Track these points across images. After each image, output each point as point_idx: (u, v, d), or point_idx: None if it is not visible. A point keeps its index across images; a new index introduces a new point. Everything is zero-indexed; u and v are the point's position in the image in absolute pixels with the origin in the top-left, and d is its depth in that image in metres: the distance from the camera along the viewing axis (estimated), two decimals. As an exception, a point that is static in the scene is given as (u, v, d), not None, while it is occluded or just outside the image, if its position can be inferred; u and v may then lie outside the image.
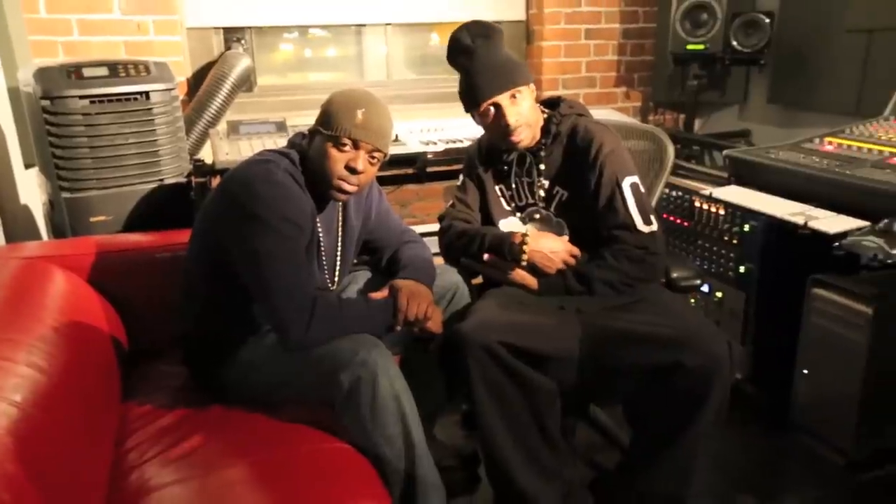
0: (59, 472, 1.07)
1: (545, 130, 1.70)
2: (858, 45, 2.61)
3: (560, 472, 1.54)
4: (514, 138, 1.64)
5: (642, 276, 1.61)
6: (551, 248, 1.63)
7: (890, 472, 1.92)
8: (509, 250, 1.63)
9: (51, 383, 1.18)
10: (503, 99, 1.60)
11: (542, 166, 1.72)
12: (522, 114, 1.62)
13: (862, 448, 1.89)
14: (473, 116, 1.69)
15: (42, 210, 2.34)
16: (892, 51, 2.48)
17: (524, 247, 1.61)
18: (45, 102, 1.94)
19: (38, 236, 2.39)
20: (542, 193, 1.73)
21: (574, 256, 1.64)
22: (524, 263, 1.62)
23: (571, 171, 1.69)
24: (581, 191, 1.67)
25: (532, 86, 1.66)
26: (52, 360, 1.24)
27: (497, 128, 1.64)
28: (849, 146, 2.04)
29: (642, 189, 1.65)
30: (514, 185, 1.76)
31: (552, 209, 1.73)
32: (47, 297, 1.49)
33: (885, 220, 1.58)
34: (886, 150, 1.95)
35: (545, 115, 1.72)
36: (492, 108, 1.62)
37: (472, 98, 1.63)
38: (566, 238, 1.69)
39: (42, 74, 1.97)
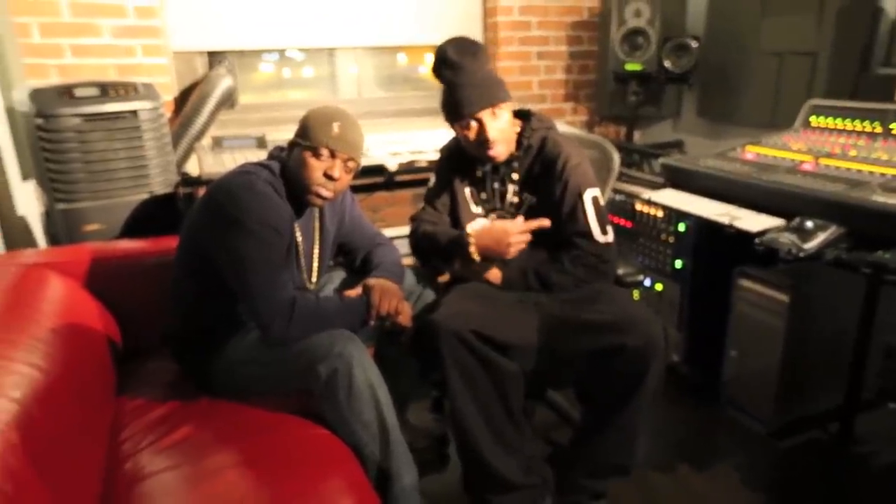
0: (57, 463, 1.04)
1: (518, 143, 1.68)
2: (772, 66, 2.68)
3: (522, 447, 1.55)
4: (492, 152, 1.62)
5: (594, 280, 1.61)
6: (495, 236, 1.59)
7: (804, 438, 1.98)
8: (459, 250, 1.63)
9: (48, 381, 1.15)
10: (485, 114, 1.58)
11: (515, 175, 1.70)
12: (502, 129, 1.60)
13: (781, 418, 1.94)
14: (454, 128, 1.65)
15: (39, 220, 2.28)
16: (799, 71, 2.56)
17: (469, 245, 1.60)
18: (40, 121, 1.89)
19: (35, 244, 2.32)
20: (513, 200, 1.72)
21: (528, 230, 1.59)
22: (476, 258, 1.61)
23: (540, 179, 1.68)
24: (547, 198, 1.66)
25: (510, 103, 1.63)
26: (49, 359, 1.21)
27: (477, 141, 1.61)
28: (766, 154, 2.09)
29: (602, 202, 1.65)
30: (487, 191, 1.73)
31: (521, 214, 1.71)
32: (44, 301, 1.45)
33: (797, 219, 1.62)
34: (797, 157, 2.00)
35: (518, 129, 1.70)
36: (473, 122, 1.59)
37: (456, 111, 1.59)
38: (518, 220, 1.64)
39: (36, 95, 1.92)
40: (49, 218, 2.05)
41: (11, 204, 2.23)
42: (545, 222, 1.59)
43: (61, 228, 1.98)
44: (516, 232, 1.59)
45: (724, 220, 1.80)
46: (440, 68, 1.60)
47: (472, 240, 1.61)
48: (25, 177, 2.27)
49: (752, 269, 1.95)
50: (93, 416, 1.30)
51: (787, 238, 1.59)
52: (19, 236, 2.24)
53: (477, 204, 1.76)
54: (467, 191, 1.76)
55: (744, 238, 1.72)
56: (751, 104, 2.82)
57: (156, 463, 1.24)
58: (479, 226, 1.70)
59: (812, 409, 1.98)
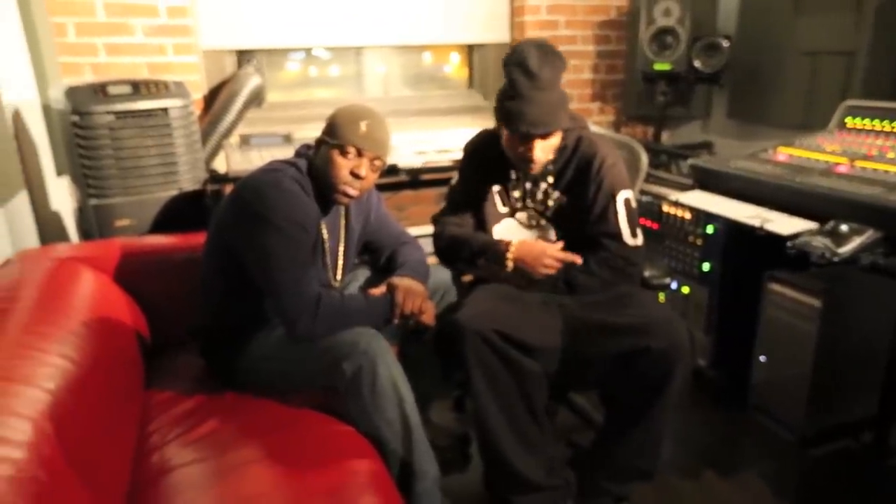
0: (88, 453, 1.06)
1: None
2: (805, 66, 2.62)
3: (545, 449, 1.54)
4: (531, 170, 1.60)
5: (620, 283, 1.59)
6: (533, 254, 1.59)
7: (835, 447, 1.93)
8: (493, 257, 1.62)
9: (80, 372, 1.17)
10: (538, 136, 1.52)
11: (550, 178, 1.67)
12: (547, 151, 1.57)
13: (811, 426, 1.90)
14: (499, 127, 1.59)
15: (72, 215, 2.33)
16: (834, 71, 2.50)
17: (507, 255, 1.60)
18: (75, 117, 1.93)
19: (68, 239, 2.37)
20: (541, 197, 1.69)
21: (562, 260, 1.58)
22: (509, 268, 1.60)
23: (573, 178, 1.65)
24: (579, 197, 1.64)
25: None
26: (81, 352, 1.23)
27: (520, 154, 1.56)
28: (798, 156, 2.04)
29: (634, 204, 1.63)
30: (518, 190, 1.71)
31: (550, 212, 1.69)
32: (77, 295, 1.48)
33: (831, 223, 1.59)
34: (832, 159, 1.96)
35: None
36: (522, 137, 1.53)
37: (510, 119, 1.50)
38: (554, 242, 1.65)
39: (72, 92, 1.96)
40: (82, 213, 2.09)
41: (46, 199, 2.28)
42: (578, 259, 1.58)
43: (93, 223, 2.02)
44: (554, 257, 1.58)
45: (755, 222, 1.77)
46: (514, 68, 1.48)
47: (512, 248, 1.60)
48: (60, 173, 2.32)
49: (783, 274, 1.91)
50: (122, 407, 1.32)
51: (821, 241, 1.55)
52: (53, 231, 2.29)
53: (504, 203, 1.74)
54: (496, 189, 1.73)
55: (775, 241, 1.69)
56: (783, 105, 2.77)
57: (182, 456, 1.26)
58: (517, 236, 1.68)
59: (844, 417, 1.93)
